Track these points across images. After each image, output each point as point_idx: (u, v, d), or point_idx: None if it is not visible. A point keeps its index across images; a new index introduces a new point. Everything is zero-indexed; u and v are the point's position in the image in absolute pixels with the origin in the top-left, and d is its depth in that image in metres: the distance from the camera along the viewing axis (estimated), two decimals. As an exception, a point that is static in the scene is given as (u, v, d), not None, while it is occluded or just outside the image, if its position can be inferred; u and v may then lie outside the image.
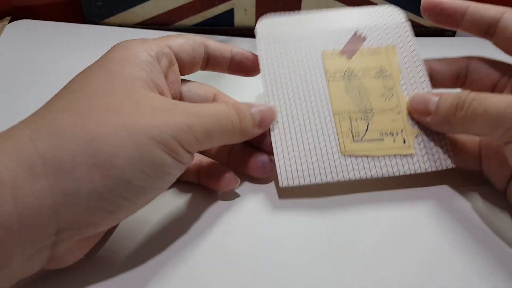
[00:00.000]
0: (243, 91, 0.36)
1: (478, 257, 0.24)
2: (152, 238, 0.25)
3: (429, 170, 0.27)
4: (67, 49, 0.42)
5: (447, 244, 0.25)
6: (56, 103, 0.21)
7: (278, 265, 0.24)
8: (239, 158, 0.28)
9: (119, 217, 0.21)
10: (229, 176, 0.27)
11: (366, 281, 0.23)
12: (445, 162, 0.27)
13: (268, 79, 0.29)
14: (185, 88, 0.28)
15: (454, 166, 0.27)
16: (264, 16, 0.32)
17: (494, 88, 0.29)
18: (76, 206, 0.19)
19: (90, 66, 0.23)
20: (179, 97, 0.28)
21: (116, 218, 0.21)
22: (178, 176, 0.23)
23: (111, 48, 0.24)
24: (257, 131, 0.27)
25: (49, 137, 0.19)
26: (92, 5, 0.46)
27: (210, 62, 0.29)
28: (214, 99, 0.29)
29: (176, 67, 0.26)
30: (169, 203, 0.27)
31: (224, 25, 0.48)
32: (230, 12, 0.47)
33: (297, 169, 0.27)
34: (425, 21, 0.47)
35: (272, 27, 0.32)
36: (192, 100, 0.28)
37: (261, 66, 0.30)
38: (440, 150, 0.27)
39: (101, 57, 0.23)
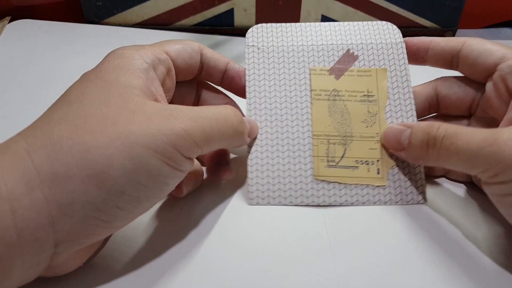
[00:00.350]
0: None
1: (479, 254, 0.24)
2: (149, 240, 0.25)
3: (399, 204, 0.27)
4: (66, 48, 0.42)
5: (449, 241, 0.25)
6: (52, 115, 0.20)
7: (277, 265, 0.24)
8: (211, 159, 0.28)
9: (116, 226, 0.21)
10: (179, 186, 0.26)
11: (366, 279, 0.23)
12: (416, 197, 0.27)
13: (253, 91, 0.29)
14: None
15: (425, 202, 0.27)
16: (256, 25, 0.32)
17: (470, 108, 0.29)
18: (71, 217, 0.19)
19: (86, 74, 0.23)
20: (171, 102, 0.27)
21: (113, 227, 0.21)
22: (176, 184, 0.22)
23: (107, 56, 0.24)
24: (247, 140, 0.27)
25: (45, 149, 0.19)
26: (92, 5, 0.46)
27: (204, 71, 0.28)
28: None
29: (173, 73, 0.26)
30: (164, 205, 0.27)
31: (224, 25, 0.48)
32: (230, 12, 0.47)
33: (268, 189, 0.27)
34: (425, 21, 0.47)
35: (263, 35, 0.31)
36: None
37: (247, 77, 0.29)
38: (413, 185, 0.27)
39: (97, 66, 0.23)
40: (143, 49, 0.24)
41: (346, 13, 0.47)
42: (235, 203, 0.27)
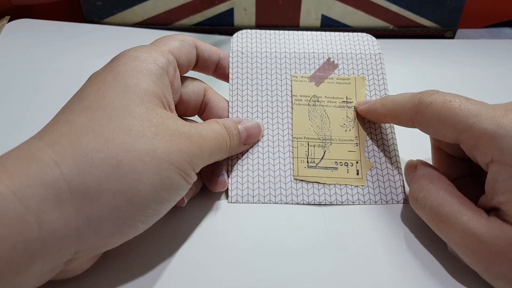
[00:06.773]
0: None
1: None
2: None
3: (378, 203, 0.27)
4: (66, 48, 0.42)
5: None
6: (75, 120, 0.20)
7: (277, 265, 0.24)
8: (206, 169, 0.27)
9: (132, 236, 0.21)
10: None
11: (365, 278, 0.23)
12: (396, 197, 0.28)
13: (236, 95, 0.30)
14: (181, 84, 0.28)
15: (405, 201, 0.28)
16: (241, 31, 0.33)
17: None
18: (98, 231, 0.19)
19: (101, 76, 0.22)
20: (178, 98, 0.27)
21: (130, 237, 0.21)
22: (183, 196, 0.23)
23: (119, 57, 0.23)
24: (242, 148, 0.28)
25: (75, 161, 0.18)
26: (91, 5, 0.46)
27: (199, 63, 0.29)
28: (204, 95, 0.29)
29: (178, 72, 0.26)
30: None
31: (224, 25, 0.48)
32: (230, 12, 0.47)
33: (248, 187, 0.28)
34: (426, 21, 0.47)
35: (248, 41, 0.32)
36: (188, 96, 0.28)
37: (230, 81, 0.30)
38: (393, 185, 0.28)
39: (111, 68, 0.22)
40: (154, 52, 0.24)
41: (346, 13, 0.47)
42: (238, 203, 0.27)
